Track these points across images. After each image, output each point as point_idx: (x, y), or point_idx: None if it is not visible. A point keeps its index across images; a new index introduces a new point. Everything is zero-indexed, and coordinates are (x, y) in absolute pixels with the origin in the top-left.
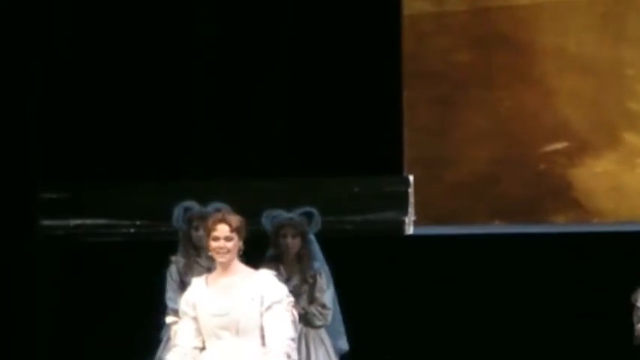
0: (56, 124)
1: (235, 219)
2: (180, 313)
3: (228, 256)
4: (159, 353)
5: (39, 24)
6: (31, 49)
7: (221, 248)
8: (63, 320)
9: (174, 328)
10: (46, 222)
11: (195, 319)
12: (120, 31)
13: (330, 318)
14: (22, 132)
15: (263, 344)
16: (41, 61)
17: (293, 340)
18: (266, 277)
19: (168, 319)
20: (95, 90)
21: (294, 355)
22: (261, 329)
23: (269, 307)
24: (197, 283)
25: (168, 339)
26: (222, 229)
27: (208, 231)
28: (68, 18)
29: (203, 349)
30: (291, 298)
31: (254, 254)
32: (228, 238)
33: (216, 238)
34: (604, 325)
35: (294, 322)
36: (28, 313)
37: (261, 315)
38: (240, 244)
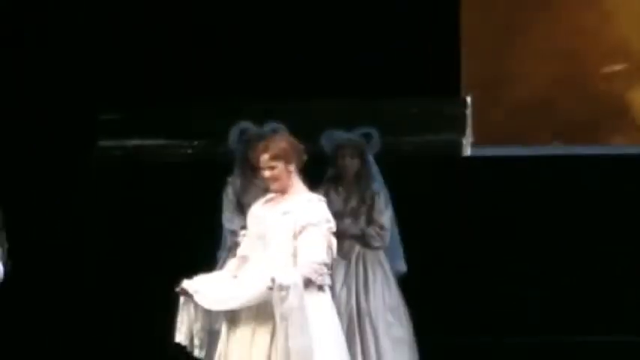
0: (114, 45)
1: (275, 145)
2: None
3: (276, 183)
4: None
5: None
6: None
7: (267, 177)
8: (119, 243)
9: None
10: (104, 143)
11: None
12: None
13: (387, 239)
14: (80, 53)
15: (295, 263)
16: None
17: (324, 264)
18: (309, 199)
19: (242, 232)
20: (153, 10)
21: (322, 280)
22: (295, 248)
23: (303, 228)
24: (263, 198)
25: (226, 258)
26: (263, 159)
27: None
28: None
29: None
30: (332, 224)
31: (314, 175)
32: (271, 167)
33: (262, 168)
34: None
35: (330, 247)
36: (88, 235)
37: (295, 236)
38: (290, 167)
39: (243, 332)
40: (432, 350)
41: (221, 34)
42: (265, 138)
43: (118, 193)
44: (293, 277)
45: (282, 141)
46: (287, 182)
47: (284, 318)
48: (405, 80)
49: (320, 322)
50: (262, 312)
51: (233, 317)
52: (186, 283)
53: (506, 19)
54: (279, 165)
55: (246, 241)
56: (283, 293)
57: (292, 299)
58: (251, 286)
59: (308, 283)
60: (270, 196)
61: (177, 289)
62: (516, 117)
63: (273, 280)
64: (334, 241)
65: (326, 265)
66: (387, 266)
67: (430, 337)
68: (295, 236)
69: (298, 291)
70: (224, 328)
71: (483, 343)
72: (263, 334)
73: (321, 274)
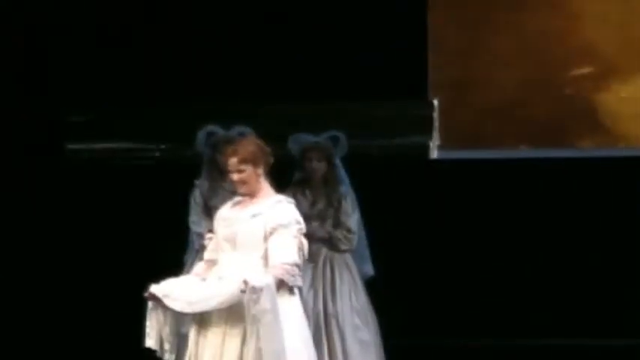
0: (81, 47)
1: (244, 149)
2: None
3: (245, 187)
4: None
5: None
6: None
7: (236, 181)
8: (85, 246)
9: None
10: (72, 145)
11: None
12: None
13: (355, 242)
14: (47, 55)
15: (266, 265)
16: None
17: (295, 265)
18: (278, 201)
19: (208, 235)
20: (120, 13)
21: (294, 281)
22: (265, 250)
23: (274, 230)
24: (230, 202)
25: (193, 261)
26: (232, 163)
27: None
28: None
29: None
30: (302, 225)
31: (281, 178)
32: (239, 171)
33: (230, 172)
34: (630, 249)
35: (301, 248)
36: (55, 237)
37: (266, 237)
38: (259, 170)
39: (214, 334)
40: (398, 353)
41: (186, 37)
42: (233, 141)
43: (85, 195)
44: (265, 279)
45: (251, 144)
46: (255, 185)
47: (256, 320)
48: (371, 83)
49: (291, 324)
50: (233, 314)
51: (203, 320)
52: (155, 288)
53: (473, 21)
54: (248, 168)
55: (213, 245)
56: (255, 296)
57: (264, 301)
58: (223, 288)
59: (280, 284)
60: (238, 199)
61: (145, 294)
62: (484, 119)
63: (245, 283)
64: (305, 242)
65: (297, 266)
66: (354, 269)
67: (397, 340)
68: (266, 238)
69: (271, 293)
70: (193, 332)
71: (450, 345)
72: (234, 336)
73: (293, 275)
